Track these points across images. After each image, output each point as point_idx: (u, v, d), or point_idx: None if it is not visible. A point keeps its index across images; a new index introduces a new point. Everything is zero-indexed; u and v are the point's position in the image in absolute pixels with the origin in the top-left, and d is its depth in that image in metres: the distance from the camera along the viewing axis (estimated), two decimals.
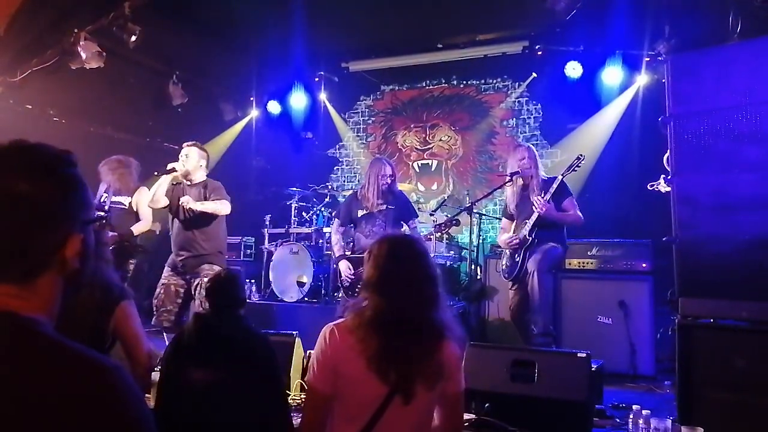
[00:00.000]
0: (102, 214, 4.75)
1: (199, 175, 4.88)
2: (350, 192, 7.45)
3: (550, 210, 4.39)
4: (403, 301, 2.01)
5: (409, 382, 1.93)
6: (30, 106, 6.19)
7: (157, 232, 6.71)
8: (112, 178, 5.08)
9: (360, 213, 5.05)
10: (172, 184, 4.81)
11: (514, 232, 4.68)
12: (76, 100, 6.42)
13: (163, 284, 4.72)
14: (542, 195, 4.45)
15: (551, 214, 4.40)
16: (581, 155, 4.64)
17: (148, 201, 4.86)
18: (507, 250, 4.72)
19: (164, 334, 4.67)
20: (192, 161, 4.81)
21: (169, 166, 4.73)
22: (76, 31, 5.82)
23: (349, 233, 5.39)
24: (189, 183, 4.85)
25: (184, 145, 4.91)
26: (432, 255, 6.05)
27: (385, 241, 2.16)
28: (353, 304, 2.12)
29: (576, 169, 4.61)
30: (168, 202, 4.81)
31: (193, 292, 4.70)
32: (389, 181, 5.03)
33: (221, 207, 4.80)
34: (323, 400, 2.01)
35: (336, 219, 5.36)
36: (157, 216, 5.27)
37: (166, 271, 4.77)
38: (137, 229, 5.12)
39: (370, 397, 1.95)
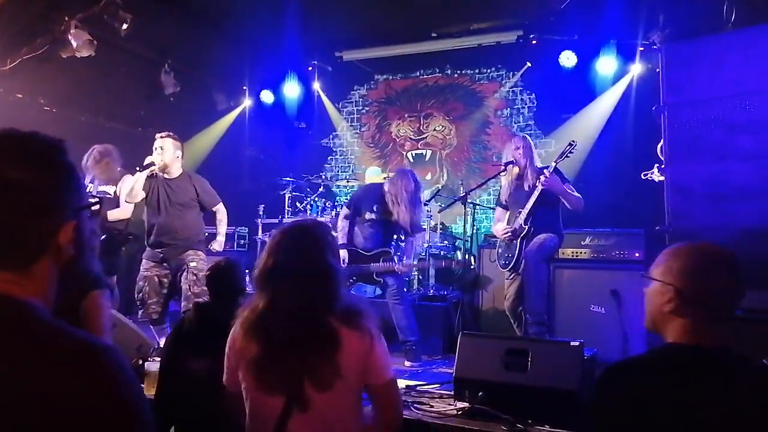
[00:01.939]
0: (95, 200, 4.71)
1: (177, 167, 4.83)
2: (344, 181, 7.47)
3: (554, 181, 4.35)
4: (287, 299, 1.80)
5: (299, 390, 1.74)
6: (20, 95, 6.13)
7: None
8: (97, 169, 5.04)
9: (368, 216, 5.01)
10: (148, 176, 4.73)
11: (508, 222, 4.67)
12: (66, 89, 6.35)
13: (145, 277, 4.69)
14: (537, 182, 4.43)
15: (556, 186, 4.36)
16: (573, 141, 4.61)
17: (125, 195, 4.80)
18: (502, 241, 4.72)
19: (152, 326, 4.67)
20: (168, 153, 4.73)
21: (147, 160, 4.68)
22: (66, 19, 5.76)
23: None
24: (167, 176, 4.78)
25: (158, 136, 4.81)
26: (426, 245, 6.10)
27: (278, 232, 1.95)
28: (246, 303, 1.94)
29: (569, 155, 4.58)
30: (145, 196, 4.77)
31: (178, 279, 4.67)
32: (410, 197, 4.95)
33: (225, 218, 5.01)
34: (233, 398, 1.92)
35: (345, 208, 5.31)
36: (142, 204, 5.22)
37: (146, 264, 4.73)
38: (113, 215, 5.02)
39: (266, 408, 1.77)
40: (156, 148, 4.74)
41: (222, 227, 5.01)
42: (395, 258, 5.01)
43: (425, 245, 6.18)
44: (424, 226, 6.03)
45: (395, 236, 5.27)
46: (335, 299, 1.84)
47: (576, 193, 4.50)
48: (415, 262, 5.25)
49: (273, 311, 1.79)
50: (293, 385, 1.73)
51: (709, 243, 1.59)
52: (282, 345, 1.76)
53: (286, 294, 1.80)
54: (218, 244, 4.98)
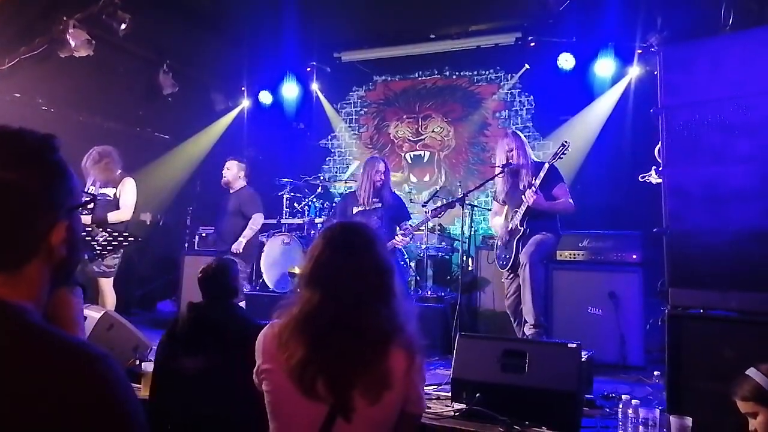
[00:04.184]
0: (88, 199, 4.72)
1: (239, 184, 5.90)
2: (342, 183, 7.50)
3: (539, 200, 4.38)
4: (341, 295, 1.66)
5: (346, 395, 1.59)
6: (18, 95, 6.12)
7: (148, 222, 6.67)
8: (96, 170, 5.04)
9: (355, 210, 5.15)
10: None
11: (506, 218, 4.67)
12: (65, 88, 6.35)
13: None
14: (533, 180, 4.44)
15: (541, 205, 4.39)
16: (566, 142, 4.60)
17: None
18: (499, 240, 4.71)
19: None
20: (231, 172, 5.83)
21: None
22: (65, 18, 5.75)
23: None
24: (231, 189, 5.85)
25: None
26: (424, 246, 6.11)
27: (326, 229, 1.85)
28: (284, 303, 1.77)
29: (562, 156, 4.56)
30: None
31: None
32: (383, 178, 5.16)
33: (256, 226, 5.82)
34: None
35: (333, 218, 5.46)
36: (147, 207, 5.25)
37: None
38: (113, 217, 5.04)
39: (303, 415, 1.62)
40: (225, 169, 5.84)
41: (247, 230, 5.72)
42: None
43: (423, 246, 6.19)
44: (421, 230, 6.05)
45: (390, 223, 5.28)
46: (391, 300, 1.71)
47: (564, 199, 4.50)
48: (408, 239, 5.34)
49: (327, 306, 1.65)
50: (341, 393, 1.60)
51: None
52: (334, 342, 1.62)
53: (342, 289, 1.67)
54: (239, 245, 5.65)
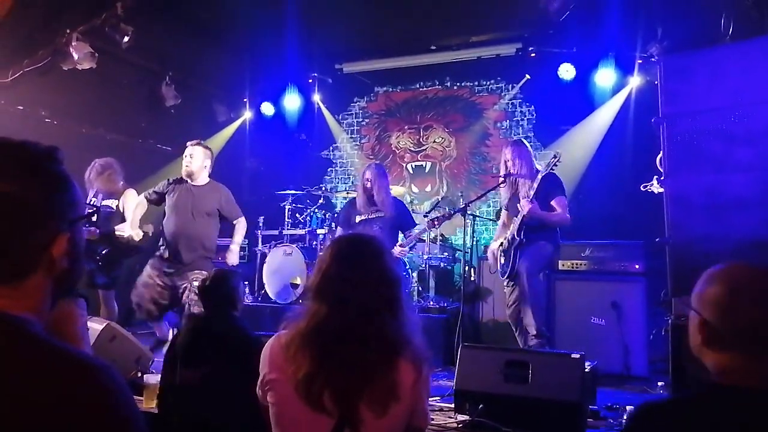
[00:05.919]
0: (91, 211, 4.73)
1: (204, 176, 4.92)
2: (343, 193, 7.51)
3: (534, 209, 4.36)
4: (348, 307, 1.66)
5: (353, 408, 1.58)
6: (21, 107, 6.14)
7: (150, 234, 6.66)
8: (99, 182, 5.06)
9: (358, 219, 5.21)
10: (174, 180, 4.93)
11: (505, 231, 4.68)
12: (68, 101, 6.37)
13: (147, 283, 4.67)
14: (530, 190, 4.44)
15: (535, 213, 4.38)
16: (557, 153, 4.57)
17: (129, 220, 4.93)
18: (499, 249, 4.71)
19: (150, 323, 4.85)
20: (197, 161, 4.83)
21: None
22: (68, 31, 5.79)
23: None
24: (194, 183, 4.87)
25: (188, 144, 4.92)
26: (426, 256, 6.11)
27: (333, 242, 1.88)
28: (293, 315, 1.77)
29: (554, 168, 4.54)
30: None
31: (180, 296, 4.67)
32: (369, 185, 5.17)
33: (243, 230, 5.04)
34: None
35: (338, 227, 5.52)
36: (149, 218, 5.25)
37: (150, 272, 4.69)
38: (120, 229, 5.00)
39: (309, 427, 1.61)
40: (185, 156, 4.83)
41: (238, 236, 5.02)
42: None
43: (425, 256, 6.18)
44: (423, 237, 6.05)
45: (392, 231, 5.29)
46: (398, 312, 1.71)
47: (560, 212, 4.48)
48: (407, 249, 5.31)
49: (334, 318, 1.65)
50: (348, 406, 1.59)
51: (747, 266, 1.35)
52: (341, 354, 1.62)
53: (349, 301, 1.66)
54: (233, 255, 4.97)
